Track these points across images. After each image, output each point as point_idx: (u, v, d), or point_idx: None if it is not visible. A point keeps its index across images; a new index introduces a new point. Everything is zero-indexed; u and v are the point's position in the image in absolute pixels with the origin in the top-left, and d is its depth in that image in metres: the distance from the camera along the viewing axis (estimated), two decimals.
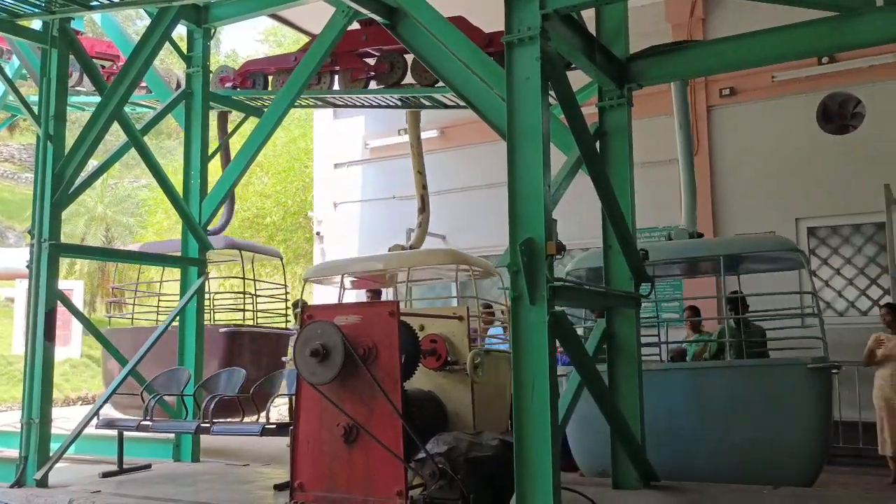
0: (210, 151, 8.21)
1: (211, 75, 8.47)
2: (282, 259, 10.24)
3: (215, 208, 7.46)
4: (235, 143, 10.23)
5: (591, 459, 6.24)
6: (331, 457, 4.84)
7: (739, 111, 10.44)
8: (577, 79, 6.06)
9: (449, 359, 5.59)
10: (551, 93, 4.64)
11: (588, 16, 5.58)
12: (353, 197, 13.50)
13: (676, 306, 10.26)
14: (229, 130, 10.26)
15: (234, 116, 10.14)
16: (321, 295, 11.73)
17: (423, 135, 12.50)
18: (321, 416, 4.93)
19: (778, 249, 6.58)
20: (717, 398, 5.96)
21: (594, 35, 5.55)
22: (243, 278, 9.26)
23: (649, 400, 5.58)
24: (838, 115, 10.00)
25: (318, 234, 14.06)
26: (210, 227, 9.19)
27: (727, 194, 10.35)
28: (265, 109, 8.29)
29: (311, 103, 9.21)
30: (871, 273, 9.68)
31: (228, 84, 9.09)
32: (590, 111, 5.97)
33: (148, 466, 6.73)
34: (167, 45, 8.15)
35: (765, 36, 5.60)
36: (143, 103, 10.48)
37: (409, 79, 8.25)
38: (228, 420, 6.93)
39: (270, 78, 8.90)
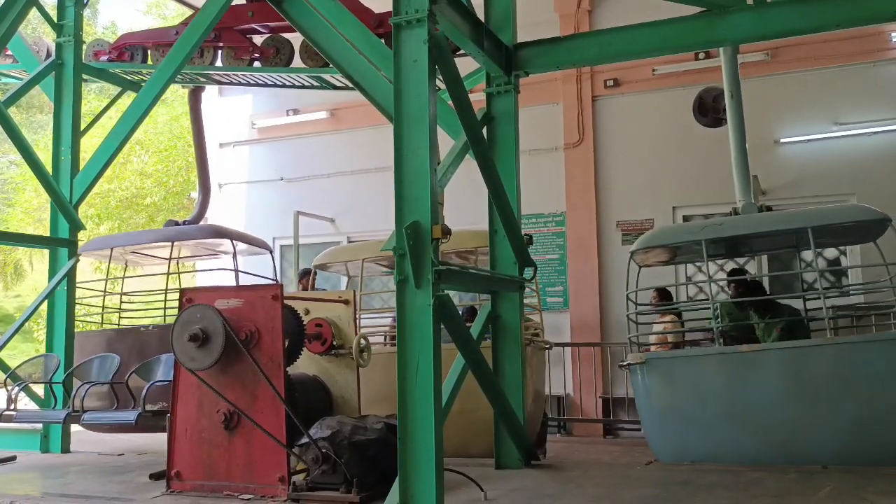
0: (83, 126, 7.78)
1: (84, 48, 8.00)
2: (272, 252, 9.19)
3: (88, 186, 7.07)
4: (113, 118, 9.69)
5: (677, 453, 5.85)
6: (210, 444, 4.71)
7: (622, 102, 10.78)
8: (467, 65, 6.11)
9: (335, 343, 5.54)
10: (439, 77, 4.65)
11: (477, 3, 5.62)
12: (238, 178, 13.11)
13: (561, 291, 10.57)
14: (107, 107, 9.75)
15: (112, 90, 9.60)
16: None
17: (312, 116, 12.37)
18: (200, 403, 4.79)
19: (867, 218, 6.05)
20: (819, 378, 5.56)
21: (483, 21, 5.59)
22: (235, 270, 8.02)
23: (739, 385, 5.61)
24: (713, 109, 10.46)
25: None
26: (184, 220, 8.67)
27: (609, 182, 10.67)
28: (143, 84, 7.91)
29: (193, 79, 8.85)
30: (739, 259, 10.23)
31: (104, 57, 8.61)
32: (479, 97, 6.05)
33: (13, 458, 6.35)
34: (39, 13, 7.67)
35: (645, 29, 5.83)
36: (11, 73, 9.80)
37: (297, 62, 8.07)
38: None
39: (149, 52, 8.50)
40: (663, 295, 8.65)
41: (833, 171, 9.73)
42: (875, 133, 9.63)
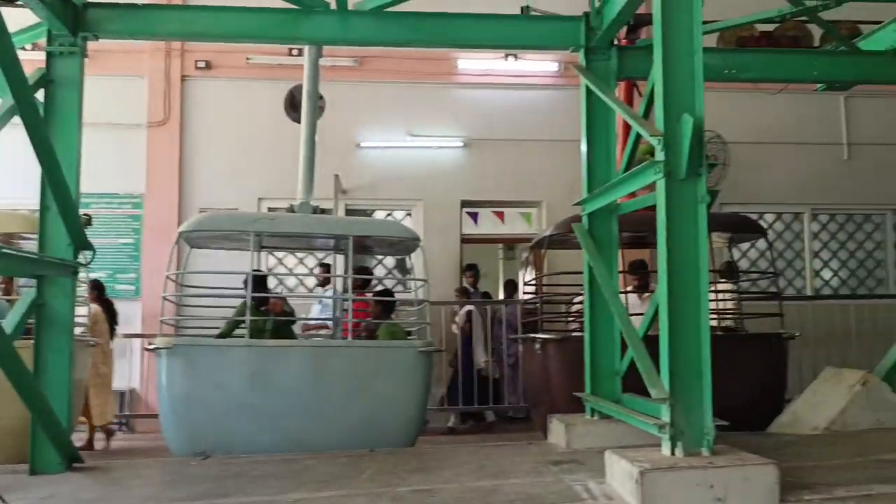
0: None
1: None
2: None
3: None
4: None
5: (189, 444, 5.66)
6: None
7: (214, 86, 10.49)
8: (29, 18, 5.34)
9: None
10: None
11: None
12: None
13: (133, 278, 9.91)
14: None
15: None
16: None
17: None
18: None
19: (402, 236, 6.77)
20: (338, 376, 5.98)
21: None
22: None
23: (261, 377, 5.75)
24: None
25: None
26: None
27: (195, 167, 10.31)
28: None
29: None
30: (320, 254, 10.64)
31: None
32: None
33: None
34: None
35: (231, 13, 5.74)
36: None
37: None
38: None
39: None
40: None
41: (406, 178, 10.66)
42: (441, 148, 10.79)
